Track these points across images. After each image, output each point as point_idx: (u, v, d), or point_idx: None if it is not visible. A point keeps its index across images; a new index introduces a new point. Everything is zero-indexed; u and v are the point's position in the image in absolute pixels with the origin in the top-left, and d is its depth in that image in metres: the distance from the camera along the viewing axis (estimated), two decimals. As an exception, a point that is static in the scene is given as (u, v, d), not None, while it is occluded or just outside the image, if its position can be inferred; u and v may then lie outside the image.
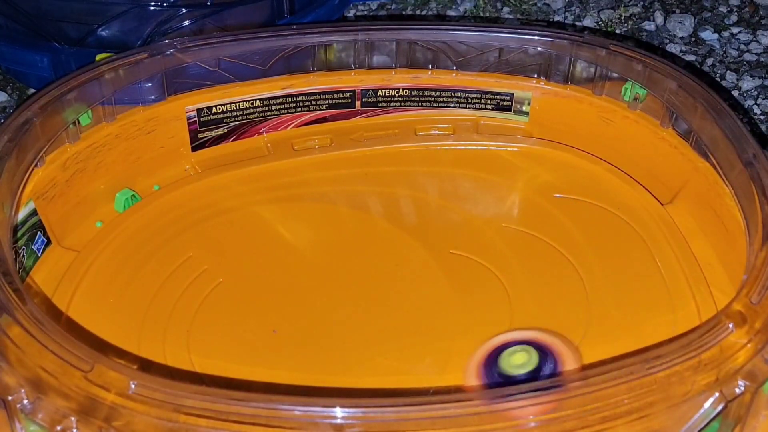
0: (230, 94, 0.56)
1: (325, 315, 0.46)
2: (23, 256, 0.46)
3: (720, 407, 0.33)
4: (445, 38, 0.57)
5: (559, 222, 0.52)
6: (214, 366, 0.43)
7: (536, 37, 0.56)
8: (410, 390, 0.42)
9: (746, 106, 0.68)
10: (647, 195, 0.52)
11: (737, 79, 0.71)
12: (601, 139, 0.56)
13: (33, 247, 0.47)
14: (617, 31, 0.77)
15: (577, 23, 0.78)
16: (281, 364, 0.43)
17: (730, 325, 0.35)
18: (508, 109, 0.58)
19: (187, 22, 0.65)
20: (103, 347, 0.43)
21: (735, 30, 0.77)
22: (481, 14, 0.80)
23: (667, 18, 0.78)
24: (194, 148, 0.56)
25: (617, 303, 0.46)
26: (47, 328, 0.34)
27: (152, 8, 0.64)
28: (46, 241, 0.48)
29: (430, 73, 0.58)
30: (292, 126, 0.58)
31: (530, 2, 0.81)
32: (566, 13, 0.79)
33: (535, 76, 0.57)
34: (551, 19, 0.79)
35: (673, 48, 0.75)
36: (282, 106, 0.57)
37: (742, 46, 0.75)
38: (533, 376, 0.41)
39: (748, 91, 0.70)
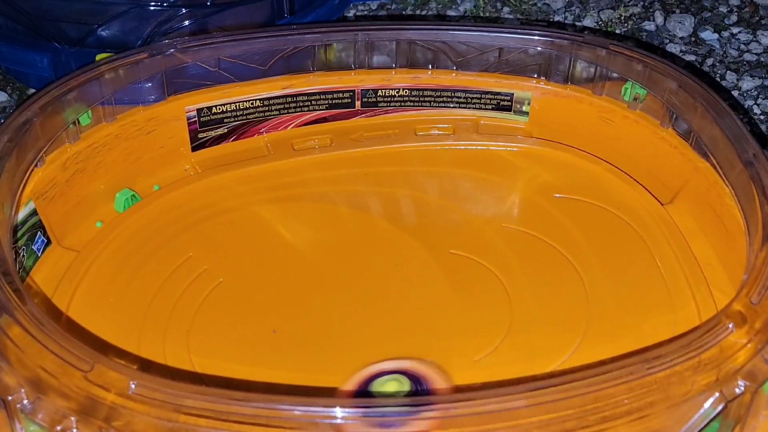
0: (230, 94, 0.56)
1: (325, 315, 0.46)
2: (23, 256, 0.46)
3: (720, 407, 0.33)
4: (445, 38, 0.57)
5: (559, 222, 0.52)
6: (214, 366, 0.43)
7: (536, 37, 0.56)
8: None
9: (746, 106, 0.69)
10: (647, 195, 0.52)
11: (737, 79, 0.71)
12: (601, 139, 0.56)
13: (33, 247, 0.47)
14: (617, 31, 0.77)
15: (577, 23, 0.78)
16: (281, 364, 0.43)
17: (730, 325, 0.35)
18: (508, 109, 0.58)
19: (187, 22, 0.65)
20: (103, 347, 0.43)
21: (735, 30, 0.77)
22: (481, 14, 0.80)
23: (667, 18, 0.78)
24: (194, 148, 0.56)
25: (617, 303, 0.46)
26: (47, 328, 0.34)
27: (152, 8, 0.64)
28: (46, 241, 0.48)
29: (430, 73, 0.58)
30: (292, 126, 0.58)
31: (530, 2, 0.81)
32: (566, 13, 0.79)
33: (535, 76, 0.57)
34: (551, 19, 0.79)
35: (673, 48, 0.75)
36: (282, 106, 0.57)
37: (742, 46, 0.75)
38: None
39: (748, 91, 0.70)
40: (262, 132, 0.58)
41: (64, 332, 0.34)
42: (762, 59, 0.74)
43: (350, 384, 0.42)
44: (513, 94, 0.58)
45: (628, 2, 0.81)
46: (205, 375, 0.42)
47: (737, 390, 0.33)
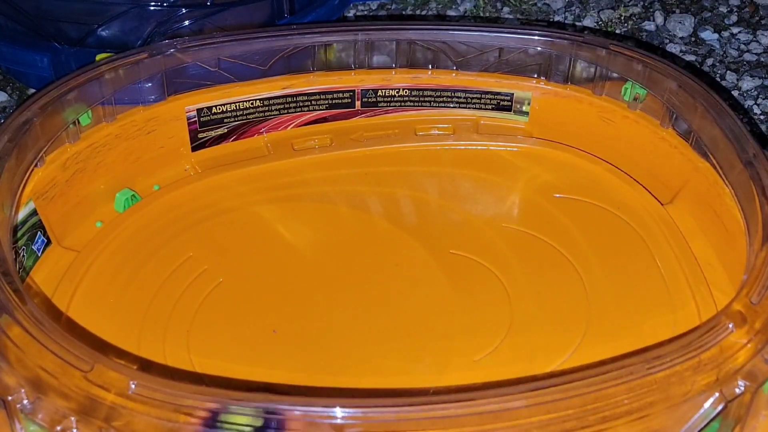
0: (230, 94, 0.56)
1: (325, 315, 0.46)
2: (23, 256, 0.46)
3: (720, 407, 0.33)
4: (445, 38, 0.57)
5: (559, 222, 0.52)
6: (214, 366, 0.43)
7: (536, 37, 0.56)
8: (410, 390, 0.42)
9: (746, 106, 0.68)
10: (647, 195, 0.52)
11: (737, 79, 0.71)
12: (601, 139, 0.56)
13: (33, 247, 0.47)
14: (617, 31, 0.77)
15: (577, 23, 0.78)
16: (281, 364, 0.43)
17: (730, 325, 0.35)
18: (508, 109, 0.58)
19: (187, 22, 0.65)
20: (103, 347, 0.43)
21: (735, 30, 0.77)
22: (481, 14, 0.80)
23: (667, 18, 0.78)
24: (194, 148, 0.56)
25: (617, 303, 0.46)
26: (47, 328, 0.34)
27: (152, 8, 0.64)
28: (46, 241, 0.48)
29: (430, 73, 0.58)
30: (292, 126, 0.58)
31: (530, 2, 0.81)
32: (566, 13, 0.79)
33: (535, 76, 0.57)
34: (551, 19, 0.79)
35: (673, 48, 0.75)
36: (282, 106, 0.57)
37: (742, 46, 0.75)
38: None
39: (748, 91, 0.70)
40: (262, 132, 0.58)
41: (64, 332, 0.34)
42: (762, 59, 0.74)
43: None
44: (513, 94, 0.58)
45: (628, 2, 0.81)
46: (205, 375, 0.42)
47: (737, 390, 0.33)
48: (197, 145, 0.56)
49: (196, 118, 0.55)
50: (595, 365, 0.33)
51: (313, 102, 0.58)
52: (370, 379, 0.43)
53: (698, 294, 0.46)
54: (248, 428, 0.30)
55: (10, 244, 0.42)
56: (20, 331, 0.34)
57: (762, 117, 0.68)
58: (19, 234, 0.46)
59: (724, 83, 0.71)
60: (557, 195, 0.54)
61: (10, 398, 0.32)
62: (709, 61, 0.73)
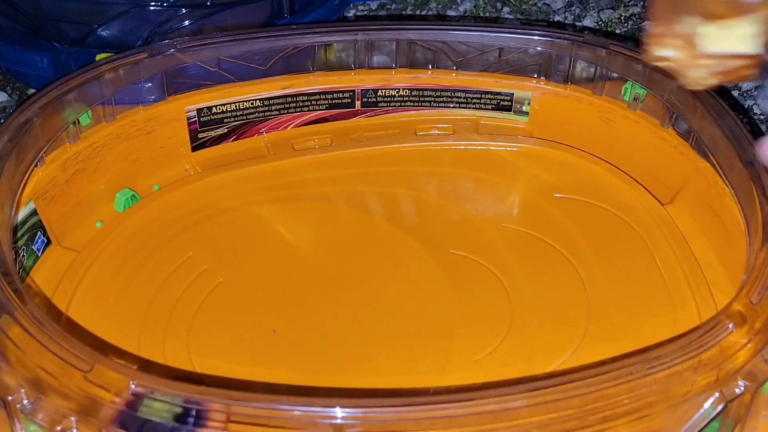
0: (230, 94, 0.56)
1: (325, 315, 0.46)
2: (23, 256, 0.46)
3: (720, 407, 0.33)
4: (445, 38, 0.57)
5: (559, 222, 0.52)
6: (214, 366, 0.43)
7: (536, 37, 0.56)
8: (410, 390, 0.42)
9: (746, 106, 0.68)
10: (647, 195, 0.52)
11: (737, 79, 0.71)
12: (601, 139, 0.56)
13: (33, 247, 0.47)
14: (617, 31, 0.77)
15: (577, 23, 0.78)
16: (281, 364, 0.43)
17: (730, 325, 0.35)
18: (508, 109, 0.58)
19: (187, 22, 0.65)
20: (103, 347, 0.43)
21: (735, 30, 0.77)
22: (481, 14, 0.80)
23: (667, 18, 0.78)
24: (194, 148, 0.56)
25: (617, 303, 0.46)
26: (47, 328, 0.34)
27: (152, 8, 0.64)
28: (46, 241, 0.48)
29: (430, 73, 0.58)
30: (292, 126, 0.58)
31: (530, 2, 0.81)
32: (566, 13, 0.79)
33: (535, 76, 0.57)
34: (551, 19, 0.79)
35: (673, 48, 0.75)
36: (282, 106, 0.57)
37: (742, 46, 0.75)
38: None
39: (748, 91, 0.70)
40: (262, 132, 0.58)
41: (64, 332, 0.34)
42: (762, 59, 0.74)
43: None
44: (513, 94, 0.58)
45: (628, 2, 0.81)
46: (205, 375, 0.42)
47: (737, 390, 0.33)
48: (197, 145, 0.56)
49: (196, 118, 0.55)
50: (595, 365, 0.33)
51: (313, 102, 0.58)
52: (370, 379, 0.43)
53: (698, 294, 0.46)
54: (167, 415, 0.31)
55: (10, 244, 0.42)
56: (20, 331, 0.34)
57: (762, 117, 0.68)
58: (19, 234, 0.46)
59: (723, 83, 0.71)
60: (557, 195, 0.54)
61: (10, 398, 0.32)
62: (709, 61, 0.73)
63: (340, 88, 0.58)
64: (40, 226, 0.47)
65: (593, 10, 0.80)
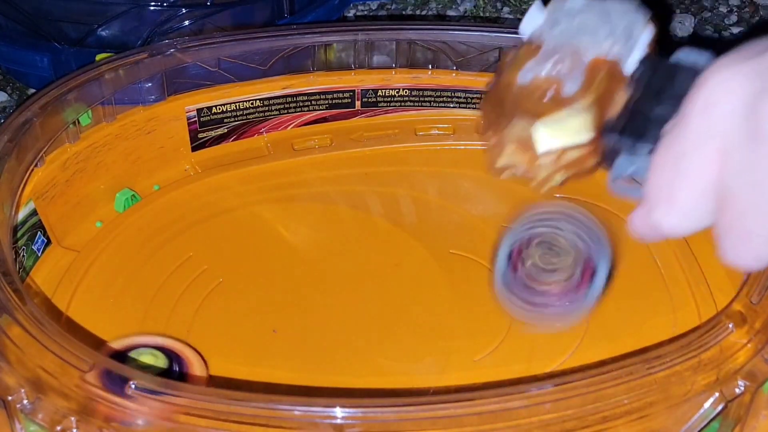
0: (230, 94, 0.56)
1: (325, 315, 0.46)
2: (23, 256, 0.46)
3: (720, 407, 0.33)
4: (445, 38, 0.57)
5: (559, 222, 0.52)
6: (214, 366, 0.43)
7: (536, 37, 0.56)
8: (410, 390, 0.42)
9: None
10: (647, 195, 0.52)
11: (737, 79, 0.71)
12: (601, 139, 0.56)
13: (33, 247, 0.47)
14: (617, 31, 0.77)
15: (577, 23, 0.78)
16: (281, 364, 0.43)
17: (730, 325, 0.35)
18: (508, 109, 0.58)
19: (187, 22, 0.65)
20: (103, 347, 0.43)
21: (735, 30, 0.77)
22: (481, 14, 0.80)
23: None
24: (194, 148, 0.56)
25: (617, 303, 0.46)
26: (47, 328, 0.34)
27: (152, 8, 0.64)
28: (46, 241, 0.48)
29: (430, 73, 0.58)
30: (292, 126, 0.58)
31: (530, 2, 0.81)
32: (566, 13, 0.79)
33: (535, 76, 0.57)
34: (551, 19, 0.79)
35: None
36: (282, 106, 0.57)
37: (742, 46, 0.75)
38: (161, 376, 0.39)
39: (748, 91, 0.70)
40: (262, 132, 0.58)
41: (64, 332, 0.34)
42: (762, 59, 0.74)
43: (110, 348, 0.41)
44: (513, 94, 0.58)
45: (628, 2, 0.81)
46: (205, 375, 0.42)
47: (737, 390, 0.33)
48: (197, 145, 0.56)
49: (196, 118, 0.55)
50: (595, 365, 0.34)
51: (313, 102, 0.58)
52: (370, 379, 0.43)
53: (698, 294, 0.46)
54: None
55: (10, 244, 0.42)
56: (20, 331, 0.34)
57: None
58: (19, 234, 0.46)
59: (724, 83, 0.71)
60: (557, 195, 0.54)
61: (10, 398, 0.32)
62: (709, 61, 0.73)
63: (340, 88, 0.58)
64: (40, 226, 0.47)
65: (593, 10, 0.80)
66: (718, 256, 0.30)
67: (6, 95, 0.69)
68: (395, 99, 0.58)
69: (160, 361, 0.41)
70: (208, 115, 0.56)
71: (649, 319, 0.45)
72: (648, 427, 0.32)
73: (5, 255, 0.38)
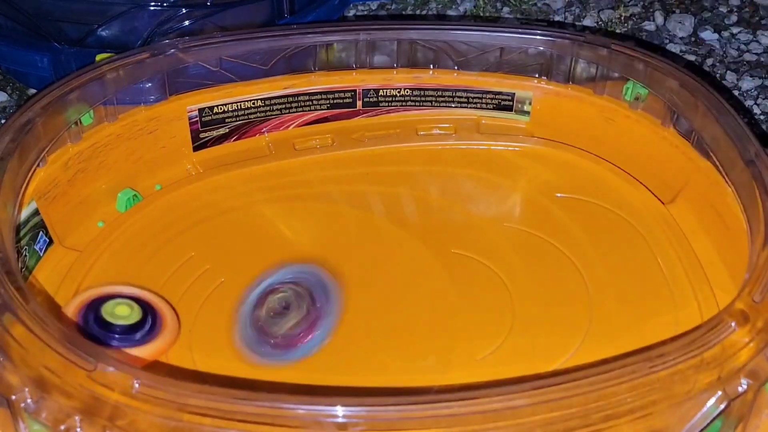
0: (232, 94, 0.56)
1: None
2: (25, 255, 0.46)
3: (722, 406, 0.33)
4: (446, 38, 0.57)
5: (561, 221, 0.52)
6: (216, 365, 0.43)
7: (538, 37, 0.56)
8: (413, 389, 0.42)
9: (746, 106, 0.69)
10: (649, 194, 0.52)
11: (737, 79, 0.71)
12: (603, 139, 0.56)
13: (35, 246, 0.47)
14: (617, 31, 0.78)
15: (577, 23, 0.79)
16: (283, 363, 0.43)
17: (733, 324, 0.35)
18: (509, 108, 0.58)
19: (187, 22, 0.65)
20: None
21: (735, 30, 0.77)
22: (481, 14, 0.80)
23: (667, 18, 0.78)
24: (196, 148, 0.56)
25: (619, 302, 0.46)
26: (50, 327, 0.34)
27: (152, 8, 0.64)
28: (48, 240, 0.48)
29: (431, 72, 0.58)
30: (293, 126, 0.58)
31: (530, 2, 0.81)
32: (566, 13, 0.80)
33: (537, 75, 0.57)
34: (551, 19, 0.79)
35: (673, 48, 0.75)
36: (283, 106, 0.57)
37: (742, 46, 0.75)
38: (131, 329, 0.42)
39: (748, 91, 0.70)
40: (264, 132, 0.58)
41: (67, 331, 0.34)
42: (762, 59, 0.74)
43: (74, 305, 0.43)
44: (514, 93, 0.58)
45: (628, 2, 0.81)
46: (208, 374, 0.42)
47: (740, 388, 0.33)
48: (199, 144, 0.56)
49: (198, 118, 0.55)
50: (597, 364, 0.33)
51: (315, 102, 0.58)
52: (373, 378, 0.43)
53: (700, 293, 0.46)
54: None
55: (12, 244, 0.42)
56: (23, 330, 0.34)
57: (762, 117, 0.68)
58: (22, 234, 0.46)
59: (724, 83, 0.71)
60: (559, 194, 0.54)
61: (13, 397, 0.32)
62: (709, 61, 0.74)
63: (342, 88, 0.58)
64: (42, 226, 0.47)
65: (593, 10, 0.80)
66: None
67: (6, 95, 0.69)
68: (396, 99, 0.58)
69: (135, 314, 0.43)
70: (210, 115, 0.56)
71: (651, 317, 0.45)
72: (650, 426, 0.32)
73: (8, 254, 0.38)
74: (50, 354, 0.33)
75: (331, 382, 0.42)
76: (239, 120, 0.57)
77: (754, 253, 0.39)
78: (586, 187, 0.54)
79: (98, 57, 0.53)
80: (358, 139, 0.58)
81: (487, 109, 0.58)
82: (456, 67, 0.58)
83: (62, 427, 0.31)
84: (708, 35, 0.77)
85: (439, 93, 0.58)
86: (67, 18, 0.64)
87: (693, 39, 0.76)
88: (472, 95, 0.58)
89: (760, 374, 0.33)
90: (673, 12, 0.79)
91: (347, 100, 0.58)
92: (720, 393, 0.33)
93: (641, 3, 0.81)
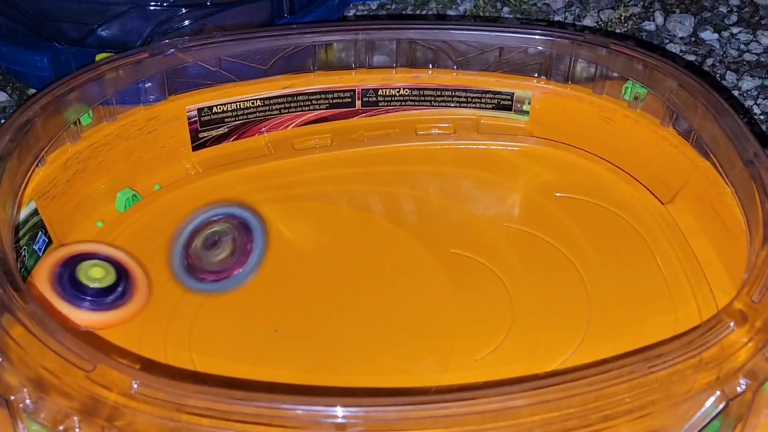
0: (231, 94, 0.56)
1: (326, 314, 0.46)
2: (25, 255, 0.46)
3: (721, 406, 0.33)
4: (445, 38, 0.57)
5: (560, 221, 0.52)
6: (215, 365, 0.43)
7: (537, 37, 0.56)
8: (412, 389, 0.42)
9: (746, 106, 0.69)
10: (648, 194, 0.52)
11: (737, 79, 0.71)
12: (602, 139, 0.56)
13: (34, 246, 0.47)
14: (617, 31, 0.78)
15: (576, 23, 0.79)
16: (283, 363, 0.43)
17: (731, 324, 0.35)
18: (508, 108, 0.58)
19: (187, 22, 0.65)
20: (104, 347, 0.43)
21: (735, 30, 0.77)
22: (481, 14, 0.80)
23: (667, 18, 0.78)
24: (195, 148, 0.56)
25: (618, 302, 0.46)
26: (49, 327, 0.34)
27: (152, 8, 0.64)
28: (47, 240, 0.48)
29: (430, 72, 0.58)
30: (292, 125, 0.58)
31: (530, 2, 0.81)
32: (566, 13, 0.80)
33: (536, 75, 0.57)
34: (551, 19, 0.79)
35: (673, 48, 0.75)
36: (282, 106, 0.57)
37: (742, 46, 0.75)
38: (103, 292, 0.44)
39: (748, 91, 0.70)
40: (263, 131, 0.58)
41: (66, 332, 0.34)
42: (762, 59, 0.74)
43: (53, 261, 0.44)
44: (513, 93, 0.58)
45: (628, 2, 0.81)
46: (207, 374, 0.42)
47: (738, 388, 0.33)
48: (198, 144, 0.56)
49: (197, 118, 0.55)
50: (596, 364, 0.33)
51: (314, 101, 0.58)
52: (372, 378, 0.43)
53: (699, 293, 0.46)
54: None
55: (11, 244, 0.42)
56: (22, 331, 0.34)
57: (762, 117, 0.68)
58: (21, 234, 0.46)
59: (724, 83, 0.71)
60: (558, 194, 0.54)
61: (12, 398, 0.32)
62: (709, 61, 0.74)
63: (341, 88, 0.58)
64: (41, 226, 0.48)
65: (593, 10, 0.80)
66: None
67: (6, 95, 0.69)
68: (396, 98, 0.58)
69: (109, 277, 0.44)
70: (209, 115, 0.56)
71: (650, 317, 0.45)
72: (649, 426, 0.32)
73: (7, 254, 0.38)
74: (49, 354, 0.33)
75: (329, 382, 0.42)
76: (238, 120, 0.57)
77: (752, 253, 0.39)
78: (585, 186, 0.54)
79: (98, 57, 0.53)
80: (358, 138, 0.58)
81: (487, 108, 0.58)
82: (455, 67, 0.58)
83: (61, 428, 0.31)
84: (708, 35, 0.77)
85: (439, 93, 0.58)
86: (67, 18, 0.64)
87: (693, 39, 0.76)
88: (472, 95, 0.58)
89: (759, 374, 0.33)
90: (673, 12, 0.79)
91: (346, 100, 0.58)
92: (719, 393, 0.33)
93: (641, 3, 0.81)
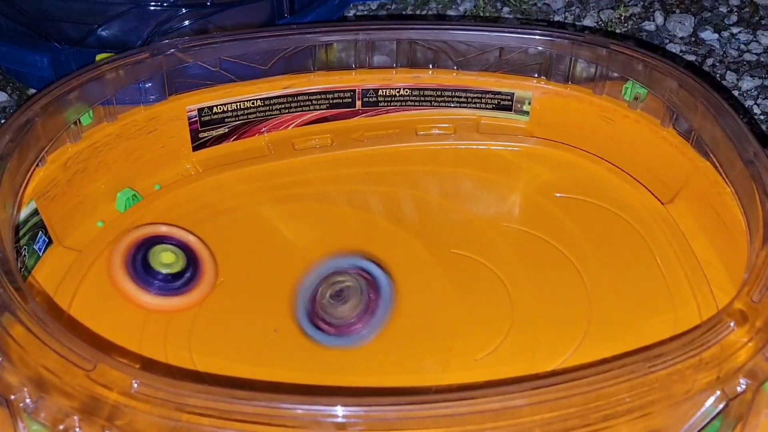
0: (231, 94, 0.56)
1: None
2: (25, 255, 0.46)
3: (721, 406, 0.33)
4: (445, 38, 0.57)
5: (560, 221, 0.52)
6: (215, 365, 0.43)
7: (537, 37, 0.56)
8: (412, 389, 0.42)
9: (746, 106, 0.69)
10: (648, 194, 0.52)
11: (737, 79, 0.71)
12: (602, 139, 0.56)
13: (34, 246, 0.47)
14: (617, 31, 0.78)
15: (577, 23, 0.79)
16: (283, 363, 0.43)
17: (731, 324, 0.35)
18: (508, 108, 0.58)
19: (187, 22, 0.65)
20: (105, 346, 0.43)
21: (735, 30, 0.77)
22: (481, 14, 0.80)
23: (667, 18, 0.78)
24: (195, 148, 0.56)
25: (618, 302, 0.46)
26: (49, 327, 0.34)
27: (152, 8, 0.64)
28: (47, 240, 0.48)
29: (430, 72, 0.58)
30: (292, 126, 0.58)
31: (530, 2, 0.81)
32: (566, 13, 0.80)
33: (536, 75, 0.57)
34: (551, 19, 0.79)
35: (673, 48, 0.75)
36: (283, 106, 0.57)
37: (742, 46, 0.75)
38: (172, 278, 0.46)
39: (748, 91, 0.70)
40: (263, 132, 0.58)
41: (66, 331, 0.34)
42: (762, 59, 0.74)
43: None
44: (514, 93, 0.58)
45: (628, 2, 0.81)
46: (207, 374, 0.42)
47: (738, 388, 0.33)
48: (198, 144, 0.56)
49: (197, 118, 0.55)
50: (596, 364, 0.34)
51: (314, 102, 0.58)
52: (372, 378, 0.43)
53: (699, 293, 0.46)
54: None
55: (12, 244, 0.42)
56: (22, 330, 0.34)
57: (762, 117, 0.68)
58: (21, 233, 0.46)
59: (724, 83, 0.71)
60: (558, 194, 0.54)
61: (12, 397, 0.32)
62: (709, 61, 0.74)
63: (341, 88, 0.58)
64: (41, 226, 0.48)
65: (593, 10, 0.80)
66: None
67: (6, 95, 0.69)
68: (396, 98, 0.58)
69: (179, 263, 0.46)
70: (209, 115, 0.56)
71: (650, 317, 0.45)
72: (649, 426, 0.32)
73: (7, 254, 0.38)
74: (49, 354, 0.33)
75: (329, 382, 0.42)
76: (238, 120, 0.57)
77: (752, 253, 0.39)
78: (585, 187, 0.54)
79: (98, 57, 0.53)
80: (358, 138, 0.58)
81: (487, 108, 0.58)
82: (455, 67, 0.58)
83: (61, 427, 0.31)
84: (708, 35, 0.77)
85: (439, 93, 0.58)
86: (67, 18, 0.64)
87: (693, 39, 0.76)
88: (472, 95, 0.58)
89: (759, 374, 0.33)
90: (673, 12, 0.79)
91: (347, 100, 0.58)
92: (719, 393, 0.33)
93: (641, 3, 0.81)
